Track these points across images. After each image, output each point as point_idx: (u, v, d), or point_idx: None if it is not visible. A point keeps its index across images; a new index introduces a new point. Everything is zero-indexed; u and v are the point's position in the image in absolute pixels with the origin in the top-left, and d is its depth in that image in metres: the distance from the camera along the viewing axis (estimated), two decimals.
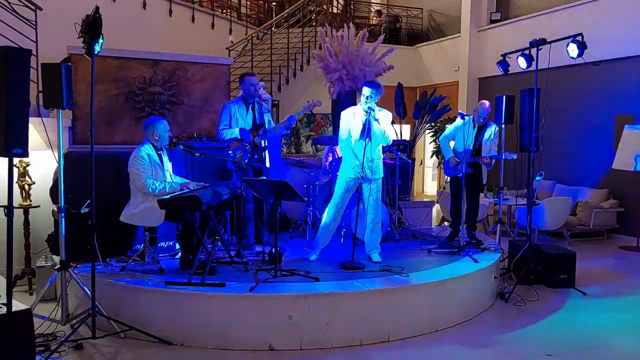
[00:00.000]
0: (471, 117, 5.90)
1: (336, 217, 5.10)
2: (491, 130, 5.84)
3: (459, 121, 5.98)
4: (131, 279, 4.38)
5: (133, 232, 4.92)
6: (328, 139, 6.51)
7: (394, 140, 5.19)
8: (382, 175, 5.07)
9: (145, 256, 4.77)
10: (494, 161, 5.74)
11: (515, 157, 5.69)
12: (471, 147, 5.78)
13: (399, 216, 6.68)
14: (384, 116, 4.94)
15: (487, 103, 5.83)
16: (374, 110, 4.80)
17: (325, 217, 5.12)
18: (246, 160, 5.28)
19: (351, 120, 4.91)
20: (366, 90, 4.83)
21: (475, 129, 5.76)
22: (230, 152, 5.30)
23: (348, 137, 4.92)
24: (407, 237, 6.28)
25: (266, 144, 5.37)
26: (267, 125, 5.37)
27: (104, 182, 4.88)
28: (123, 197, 4.69)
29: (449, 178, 6.16)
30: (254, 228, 5.52)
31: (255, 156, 5.26)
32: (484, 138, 5.80)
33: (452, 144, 6.08)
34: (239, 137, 5.26)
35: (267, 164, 5.44)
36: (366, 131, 4.79)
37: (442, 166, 11.01)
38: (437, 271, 4.83)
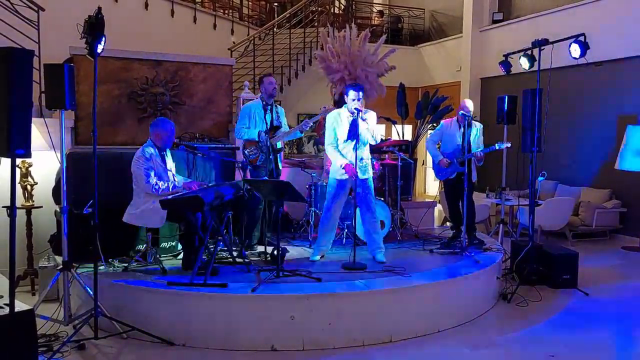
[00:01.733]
0: (455, 118, 5.90)
1: (333, 219, 5.11)
2: (477, 129, 5.84)
3: (442, 123, 6.01)
4: (133, 279, 4.38)
5: (135, 233, 4.92)
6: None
7: (396, 141, 5.21)
8: (372, 175, 5.12)
9: (147, 256, 4.78)
10: (484, 156, 5.73)
11: (509, 145, 5.68)
12: (460, 147, 5.76)
13: (401, 216, 6.67)
14: (371, 116, 4.99)
15: (469, 102, 5.81)
16: (361, 111, 4.86)
17: (322, 220, 5.14)
18: (259, 163, 5.32)
19: (337, 122, 4.98)
20: (352, 94, 4.92)
21: (462, 129, 5.75)
22: (246, 151, 5.39)
23: (335, 139, 4.99)
24: (409, 238, 6.28)
25: (282, 146, 5.51)
26: (283, 128, 5.46)
27: (107, 182, 4.87)
28: (126, 198, 4.69)
29: (441, 182, 6.17)
30: (259, 229, 5.54)
31: (270, 157, 5.29)
32: (471, 137, 5.80)
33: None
34: (256, 138, 5.34)
35: (280, 166, 5.47)
36: (353, 132, 4.85)
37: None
38: (439, 271, 4.83)
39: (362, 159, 4.97)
